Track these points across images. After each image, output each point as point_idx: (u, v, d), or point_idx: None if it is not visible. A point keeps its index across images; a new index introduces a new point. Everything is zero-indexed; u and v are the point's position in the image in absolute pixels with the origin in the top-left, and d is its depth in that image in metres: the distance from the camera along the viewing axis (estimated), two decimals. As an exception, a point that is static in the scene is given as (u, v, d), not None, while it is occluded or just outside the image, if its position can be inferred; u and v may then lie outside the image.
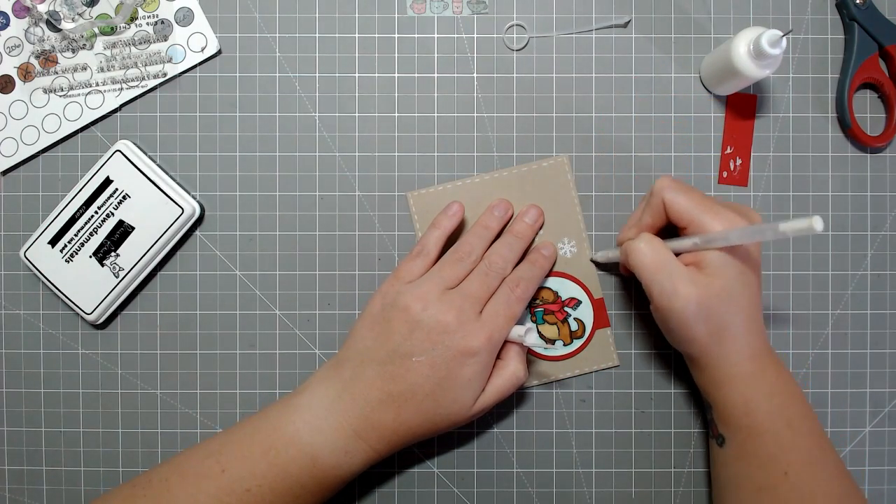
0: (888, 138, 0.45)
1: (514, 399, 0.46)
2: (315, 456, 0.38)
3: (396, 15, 0.46)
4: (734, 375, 0.38)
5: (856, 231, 0.46)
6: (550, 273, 0.45)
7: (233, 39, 0.46)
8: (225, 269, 0.46)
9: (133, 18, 0.46)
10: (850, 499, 0.37)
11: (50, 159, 0.46)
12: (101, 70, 0.46)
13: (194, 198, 0.45)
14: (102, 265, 0.45)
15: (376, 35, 0.46)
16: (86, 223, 0.44)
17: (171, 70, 0.46)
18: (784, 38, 0.38)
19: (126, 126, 0.46)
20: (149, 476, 0.39)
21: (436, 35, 0.46)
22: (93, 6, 0.46)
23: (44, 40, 0.46)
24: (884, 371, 0.46)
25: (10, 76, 0.46)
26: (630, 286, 0.46)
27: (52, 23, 0.46)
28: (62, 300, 0.45)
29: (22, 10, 0.46)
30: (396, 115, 0.46)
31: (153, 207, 0.44)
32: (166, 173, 0.45)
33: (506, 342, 0.41)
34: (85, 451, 0.46)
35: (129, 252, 0.44)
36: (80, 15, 0.46)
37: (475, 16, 0.46)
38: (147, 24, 0.46)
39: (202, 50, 0.46)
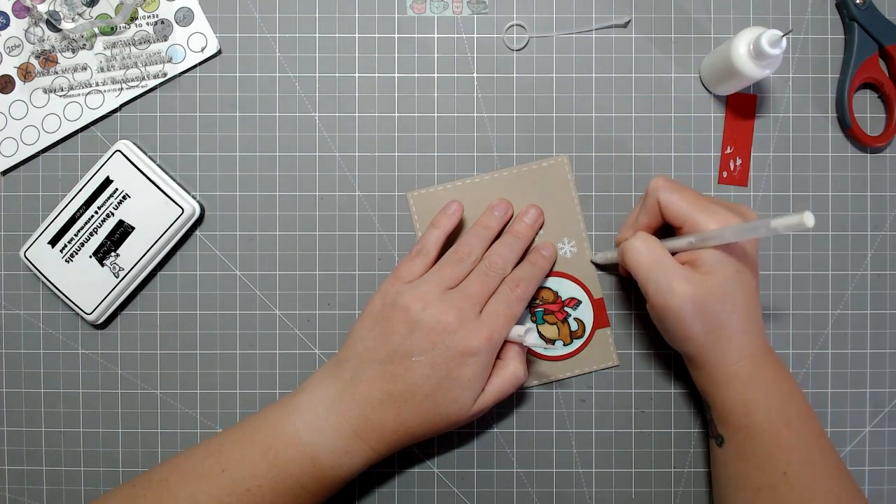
0: (888, 138, 0.45)
1: (514, 399, 0.46)
2: (315, 456, 0.38)
3: (396, 15, 0.46)
4: (732, 375, 0.38)
5: (856, 231, 0.46)
6: (550, 273, 0.45)
7: (233, 39, 0.46)
8: (225, 269, 0.46)
9: (133, 18, 0.46)
10: (850, 498, 0.37)
11: (50, 159, 0.46)
12: (101, 70, 0.46)
13: (194, 198, 0.45)
14: (102, 265, 0.45)
15: (376, 35, 0.46)
16: (86, 223, 0.44)
17: (171, 70, 0.46)
18: (784, 38, 0.38)
19: (126, 126, 0.46)
20: (149, 476, 0.39)
21: (436, 35, 0.46)
22: (93, 6, 0.46)
23: (44, 40, 0.46)
24: (884, 371, 0.46)
25: (10, 76, 0.46)
26: (630, 286, 0.46)
27: (52, 23, 0.46)
28: (62, 300, 0.45)
29: (22, 10, 0.46)
30: (396, 115, 0.46)
31: (153, 207, 0.44)
32: (166, 173, 0.45)
33: (506, 342, 0.41)
34: (85, 451, 0.46)
35: (129, 252, 0.44)
36: (80, 15, 0.46)
37: (475, 16, 0.46)
38: (147, 24, 0.46)
39: (202, 50, 0.46)
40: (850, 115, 0.45)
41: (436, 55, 0.46)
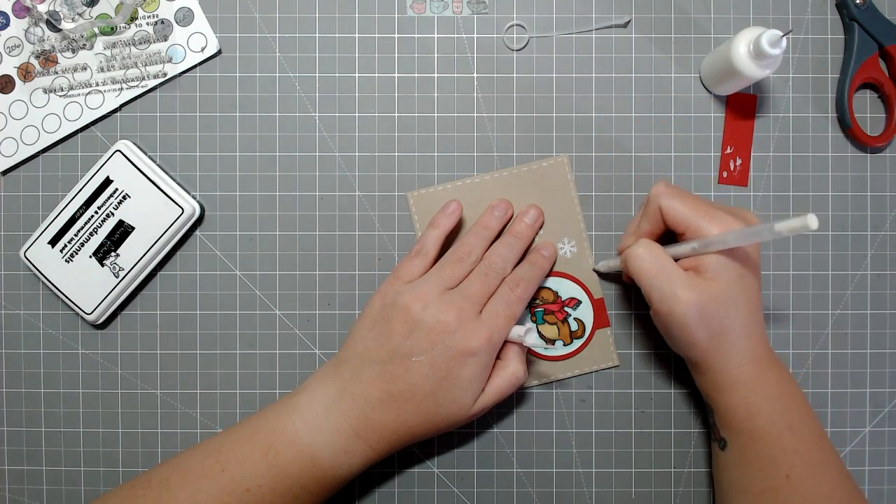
0: (888, 138, 0.45)
1: (514, 399, 0.46)
2: (315, 456, 0.38)
3: (396, 15, 0.46)
4: (735, 379, 0.38)
5: (856, 231, 0.46)
6: (550, 273, 0.45)
7: (233, 39, 0.46)
8: (225, 269, 0.46)
9: (133, 18, 0.46)
10: (851, 501, 0.37)
11: (50, 159, 0.46)
12: (101, 70, 0.46)
13: (194, 198, 0.45)
14: (102, 265, 0.45)
15: (376, 35, 0.46)
16: (86, 223, 0.44)
17: (171, 70, 0.46)
18: (784, 38, 0.38)
19: (126, 126, 0.46)
20: (148, 476, 0.39)
21: (436, 35, 0.46)
22: (93, 6, 0.46)
23: (44, 40, 0.46)
24: (884, 371, 0.46)
25: (10, 76, 0.46)
26: (630, 286, 0.46)
27: (52, 23, 0.46)
28: (62, 300, 0.45)
29: (22, 10, 0.46)
30: (396, 115, 0.46)
31: (153, 207, 0.44)
32: (166, 173, 0.45)
33: (506, 342, 0.41)
34: (85, 451, 0.46)
35: (129, 252, 0.44)
36: (80, 15, 0.46)
37: (475, 16, 0.46)
38: (147, 24, 0.46)
39: (202, 50, 0.46)
40: (850, 115, 0.45)
41: (436, 55, 0.46)
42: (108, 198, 0.44)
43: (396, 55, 0.46)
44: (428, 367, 0.38)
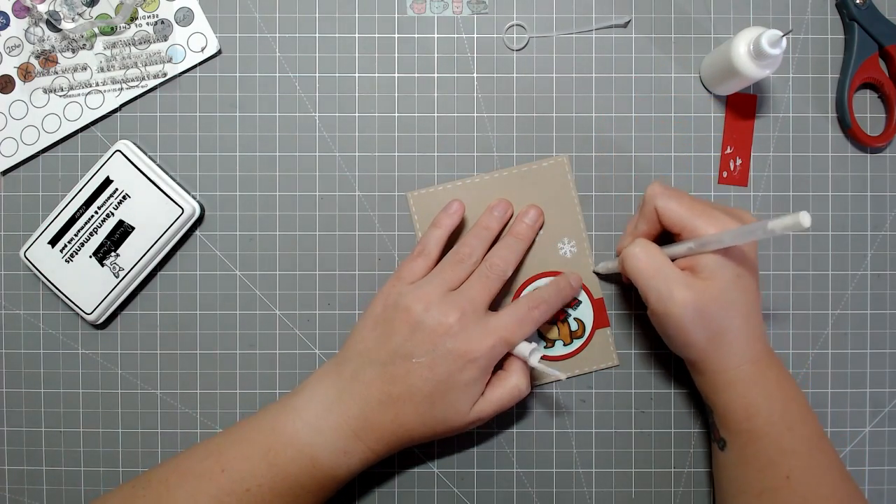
0: (888, 138, 0.45)
1: (514, 399, 0.46)
2: (314, 456, 0.38)
3: (396, 15, 0.46)
4: (734, 380, 0.38)
5: (856, 231, 0.46)
6: (550, 273, 0.45)
7: (233, 39, 0.46)
8: (225, 269, 0.46)
9: (133, 18, 0.46)
10: (852, 502, 0.37)
11: (50, 159, 0.46)
12: (101, 70, 0.46)
13: (194, 198, 0.45)
14: (102, 265, 0.45)
15: (376, 35, 0.46)
16: (86, 223, 0.44)
17: (171, 70, 0.46)
18: (784, 38, 0.38)
19: (126, 126, 0.46)
20: (148, 476, 0.39)
21: (436, 35, 0.46)
22: (93, 6, 0.46)
23: (44, 40, 0.46)
24: (884, 371, 0.46)
25: (10, 76, 0.46)
26: (629, 287, 0.46)
27: (52, 23, 0.46)
28: (62, 300, 0.45)
29: (22, 10, 0.46)
30: (396, 115, 0.46)
31: (153, 207, 0.44)
32: (166, 173, 0.45)
33: (510, 355, 0.41)
34: (85, 451, 0.46)
35: (129, 252, 0.44)
36: (80, 15, 0.46)
37: (475, 16, 0.46)
38: (147, 24, 0.46)
39: (202, 50, 0.46)
40: (850, 115, 0.45)
41: (436, 55, 0.46)
42: (108, 198, 0.44)
43: (396, 55, 0.46)
44: (427, 368, 0.38)
